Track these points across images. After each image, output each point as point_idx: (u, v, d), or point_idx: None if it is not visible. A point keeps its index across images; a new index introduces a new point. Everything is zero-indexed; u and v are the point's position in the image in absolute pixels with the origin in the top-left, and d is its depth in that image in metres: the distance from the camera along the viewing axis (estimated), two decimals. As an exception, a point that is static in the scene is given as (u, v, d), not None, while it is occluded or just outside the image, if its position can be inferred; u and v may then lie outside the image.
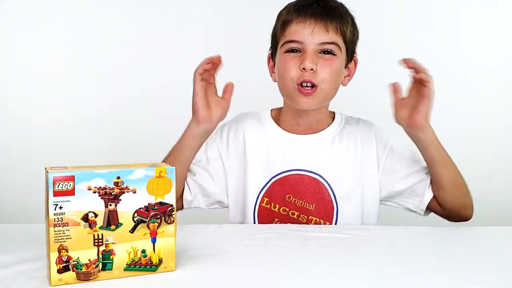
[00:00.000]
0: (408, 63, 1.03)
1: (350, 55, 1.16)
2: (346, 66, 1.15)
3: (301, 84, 1.08)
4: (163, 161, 1.08)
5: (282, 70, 1.11)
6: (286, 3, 1.16)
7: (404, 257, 0.87)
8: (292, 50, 1.10)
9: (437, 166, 1.09)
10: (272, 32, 1.18)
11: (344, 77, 1.16)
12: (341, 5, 1.14)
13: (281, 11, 1.16)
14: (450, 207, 1.12)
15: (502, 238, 1.04)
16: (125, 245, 0.74)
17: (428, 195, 1.13)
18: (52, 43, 1.94)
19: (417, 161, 1.16)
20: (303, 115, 1.16)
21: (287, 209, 1.14)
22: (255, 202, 1.16)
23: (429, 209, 1.15)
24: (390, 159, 1.17)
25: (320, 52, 1.09)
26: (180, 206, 1.16)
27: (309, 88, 1.08)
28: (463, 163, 1.89)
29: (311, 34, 1.08)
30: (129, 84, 1.95)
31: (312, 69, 1.07)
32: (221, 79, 1.92)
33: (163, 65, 1.95)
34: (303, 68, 1.07)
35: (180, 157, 1.12)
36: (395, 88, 1.07)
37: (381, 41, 1.83)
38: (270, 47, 1.20)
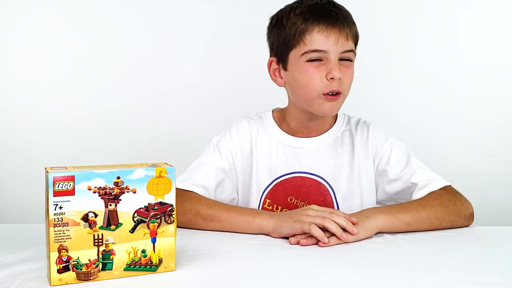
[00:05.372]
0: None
1: None
2: None
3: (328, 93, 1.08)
4: (209, 208, 1.04)
5: (305, 80, 1.09)
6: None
7: (404, 257, 0.87)
8: (314, 59, 1.08)
9: (410, 229, 1.02)
10: (279, 38, 1.13)
11: None
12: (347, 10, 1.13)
13: (289, 16, 1.10)
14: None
15: (502, 238, 1.04)
16: (125, 245, 0.74)
17: None
18: (52, 43, 1.94)
19: (410, 165, 1.14)
20: (316, 119, 1.17)
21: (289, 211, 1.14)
22: (258, 203, 1.17)
23: None
24: (383, 160, 1.17)
25: (339, 60, 1.08)
26: None
27: (334, 95, 1.08)
28: (463, 163, 1.90)
29: (336, 44, 1.07)
30: (129, 84, 1.95)
31: (340, 78, 1.07)
32: (223, 81, 1.92)
33: (164, 65, 1.94)
34: (331, 78, 1.06)
35: (226, 228, 1.02)
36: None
37: (382, 43, 1.83)
38: (275, 52, 1.15)
